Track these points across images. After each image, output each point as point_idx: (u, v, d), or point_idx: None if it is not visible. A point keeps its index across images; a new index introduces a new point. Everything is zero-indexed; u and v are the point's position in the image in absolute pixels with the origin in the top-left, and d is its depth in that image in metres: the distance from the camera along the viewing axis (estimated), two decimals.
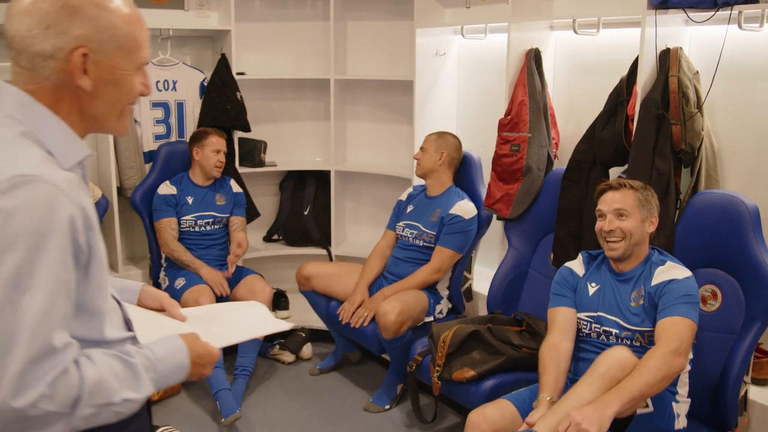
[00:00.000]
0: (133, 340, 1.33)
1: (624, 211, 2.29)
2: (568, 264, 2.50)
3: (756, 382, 2.53)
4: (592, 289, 2.38)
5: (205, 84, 3.91)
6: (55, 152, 1.17)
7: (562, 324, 2.38)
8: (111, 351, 1.19)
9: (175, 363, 1.27)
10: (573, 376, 2.36)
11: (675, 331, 2.12)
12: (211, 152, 3.60)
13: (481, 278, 3.55)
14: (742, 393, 2.38)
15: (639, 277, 2.30)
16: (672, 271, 2.24)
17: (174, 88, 3.93)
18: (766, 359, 2.54)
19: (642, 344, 2.24)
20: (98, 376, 1.12)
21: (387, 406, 3.33)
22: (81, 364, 1.11)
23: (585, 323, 2.36)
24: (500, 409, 2.27)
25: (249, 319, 1.67)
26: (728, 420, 2.34)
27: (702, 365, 2.34)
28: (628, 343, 2.25)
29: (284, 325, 1.63)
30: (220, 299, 3.46)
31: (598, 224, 2.34)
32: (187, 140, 3.77)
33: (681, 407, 2.23)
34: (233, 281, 3.58)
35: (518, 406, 2.27)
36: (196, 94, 3.97)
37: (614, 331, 2.29)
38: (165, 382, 1.27)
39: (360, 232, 4.44)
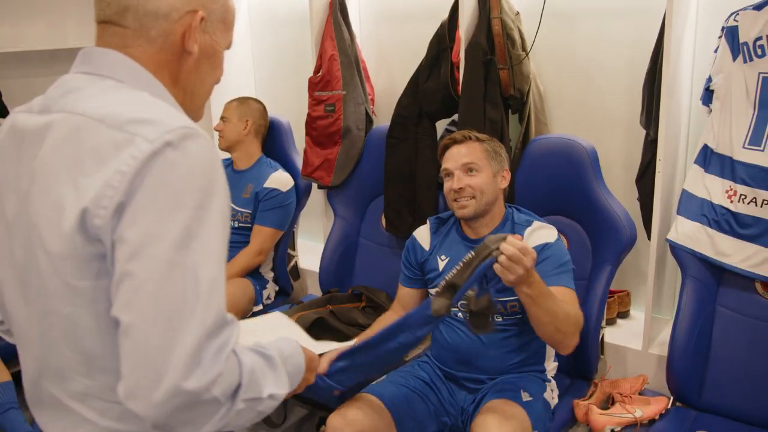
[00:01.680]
0: None
1: (473, 165, 2.04)
2: (417, 234, 2.22)
3: (606, 322, 2.51)
4: (441, 262, 2.11)
5: None
6: None
7: (402, 304, 2.22)
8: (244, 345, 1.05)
9: (298, 363, 1.15)
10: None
11: (574, 302, 1.95)
12: None
13: (308, 252, 3.28)
14: (599, 338, 2.33)
15: None
16: (541, 231, 2.02)
17: None
18: (613, 298, 2.53)
19: (509, 314, 2.01)
20: (252, 365, 0.98)
21: None
22: (236, 348, 0.97)
23: None
24: (361, 406, 1.94)
25: (289, 334, 1.53)
26: (590, 368, 2.29)
27: None
28: (496, 318, 2.02)
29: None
30: None
31: (446, 185, 2.08)
32: None
33: (553, 387, 2.11)
34: None
35: (382, 398, 1.98)
36: None
37: None
38: (291, 385, 1.11)
39: None
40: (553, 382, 2.11)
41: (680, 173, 2.32)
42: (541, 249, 1.96)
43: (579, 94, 2.54)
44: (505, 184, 2.11)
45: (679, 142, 2.29)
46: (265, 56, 3.49)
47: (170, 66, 1.08)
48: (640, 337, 2.36)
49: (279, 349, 1.12)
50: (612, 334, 2.45)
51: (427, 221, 2.23)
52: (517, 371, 2.03)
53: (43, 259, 0.99)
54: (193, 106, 1.14)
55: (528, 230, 2.04)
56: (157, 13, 1.04)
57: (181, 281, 0.90)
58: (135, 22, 1.04)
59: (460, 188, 2.04)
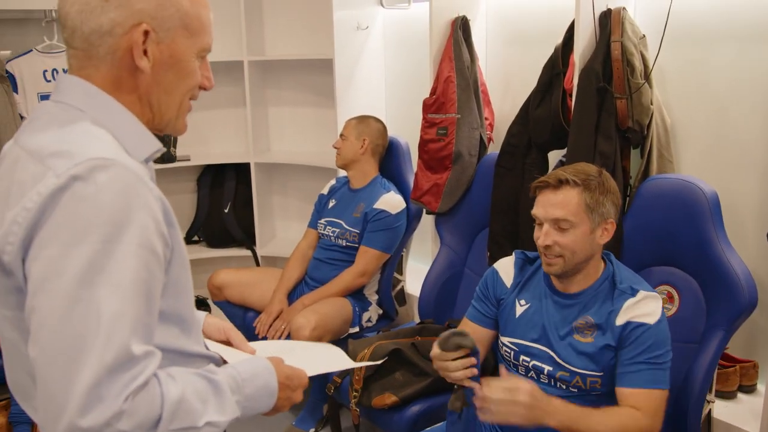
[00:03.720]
0: (213, 360, 1.19)
1: (564, 222, 1.72)
2: (499, 265, 1.99)
3: (720, 395, 2.17)
4: (520, 308, 1.87)
5: None
6: (126, 144, 1.04)
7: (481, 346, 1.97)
8: (191, 369, 1.05)
9: (263, 384, 1.13)
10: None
11: (648, 409, 1.67)
12: None
13: (418, 276, 3.15)
14: (705, 412, 2.01)
15: (590, 301, 1.78)
16: (643, 306, 1.72)
17: None
18: (732, 369, 2.18)
19: (582, 390, 1.76)
20: (181, 395, 0.97)
21: (312, 430, 2.93)
22: (161, 380, 0.96)
23: (508, 351, 1.88)
24: None
25: (326, 356, 1.58)
26: None
27: None
28: (563, 387, 1.77)
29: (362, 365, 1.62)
30: None
31: (535, 232, 1.80)
32: None
33: None
34: None
35: None
36: None
37: (547, 368, 1.79)
38: (253, 408, 1.11)
39: (290, 229, 4.01)
40: None
41: None
42: (636, 328, 1.69)
43: (710, 130, 2.22)
44: (606, 238, 1.78)
45: None
46: (396, 75, 3.45)
47: (127, 83, 1.07)
48: (758, 418, 2.01)
49: (236, 371, 1.10)
50: (726, 411, 2.11)
51: (513, 254, 2.00)
52: None
53: None
54: (165, 120, 1.12)
55: (631, 301, 1.73)
56: (100, 31, 1.03)
57: (81, 317, 0.89)
58: (83, 43, 1.04)
59: (547, 245, 1.76)
